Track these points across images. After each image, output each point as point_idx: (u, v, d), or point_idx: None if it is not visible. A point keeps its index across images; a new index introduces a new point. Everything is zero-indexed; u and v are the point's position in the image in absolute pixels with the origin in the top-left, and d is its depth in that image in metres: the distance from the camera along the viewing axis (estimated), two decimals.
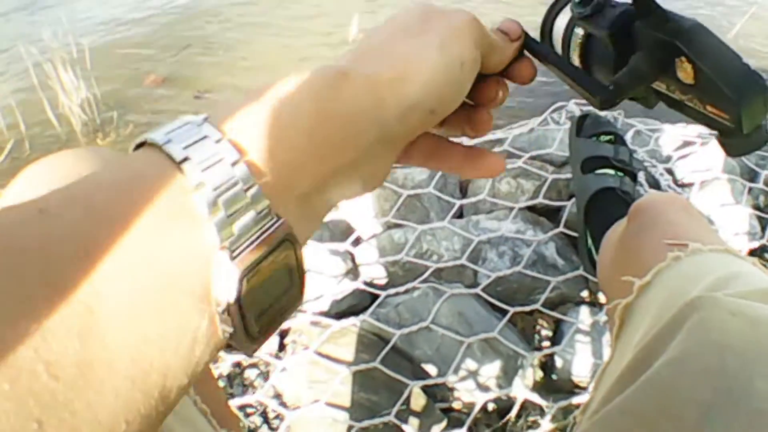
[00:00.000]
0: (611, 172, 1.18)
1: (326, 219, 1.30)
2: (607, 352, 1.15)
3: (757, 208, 1.42)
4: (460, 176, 0.43)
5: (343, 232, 1.32)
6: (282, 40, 2.95)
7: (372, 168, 0.38)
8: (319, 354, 1.11)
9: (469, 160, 0.47)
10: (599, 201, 1.14)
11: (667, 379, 0.46)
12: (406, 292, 1.20)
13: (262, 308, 0.31)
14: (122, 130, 2.35)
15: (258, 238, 0.30)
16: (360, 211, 1.35)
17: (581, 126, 1.29)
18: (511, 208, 1.32)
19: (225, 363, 1.12)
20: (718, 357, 0.44)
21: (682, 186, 1.43)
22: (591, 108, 1.52)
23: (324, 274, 1.22)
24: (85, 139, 2.34)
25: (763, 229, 1.36)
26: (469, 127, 0.47)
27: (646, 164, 1.42)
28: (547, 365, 1.18)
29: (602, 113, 1.49)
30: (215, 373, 1.11)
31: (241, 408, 1.09)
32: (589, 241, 1.13)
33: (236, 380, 1.14)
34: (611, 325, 0.68)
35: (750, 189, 1.43)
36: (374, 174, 0.39)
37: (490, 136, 1.52)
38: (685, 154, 1.49)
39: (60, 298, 0.23)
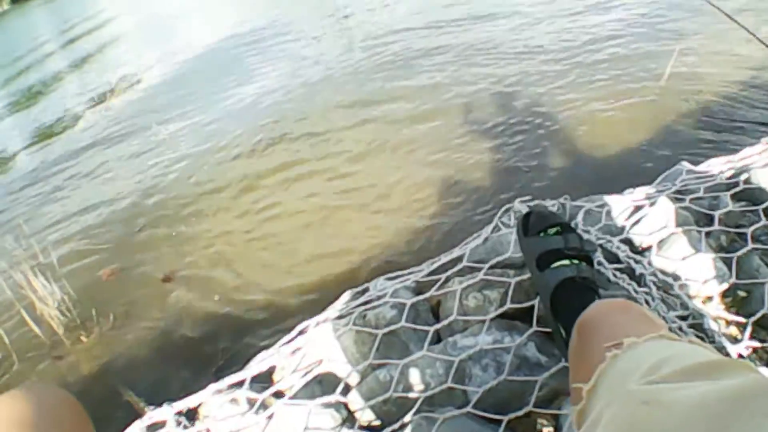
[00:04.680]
0: (566, 262, 1.19)
1: (314, 374, 1.33)
2: None
3: (721, 248, 1.42)
4: None
5: (330, 383, 1.34)
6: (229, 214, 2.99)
7: None
8: None
9: None
10: (562, 294, 1.15)
11: None
12: (401, 427, 1.21)
13: None
14: (104, 325, 2.37)
15: None
16: (342, 359, 1.38)
17: (527, 225, 1.32)
18: (483, 321, 1.34)
19: None
20: None
21: (642, 251, 1.44)
22: (531, 204, 1.57)
23: (321, 429, 1.23)
24: (69, 341, 2.35)
25: (729, 268, 1.35)
26: None
27: (600, 241, 1.42)
28: None
29: (545, 204, 1.52)
30: None
31: None
32: (563, 332, 1.14)
33: None
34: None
35: (708, 233, 1.44)
36: None
37: (448, 256, 1.55)
38: (638, 219, 1.49)
39: None
